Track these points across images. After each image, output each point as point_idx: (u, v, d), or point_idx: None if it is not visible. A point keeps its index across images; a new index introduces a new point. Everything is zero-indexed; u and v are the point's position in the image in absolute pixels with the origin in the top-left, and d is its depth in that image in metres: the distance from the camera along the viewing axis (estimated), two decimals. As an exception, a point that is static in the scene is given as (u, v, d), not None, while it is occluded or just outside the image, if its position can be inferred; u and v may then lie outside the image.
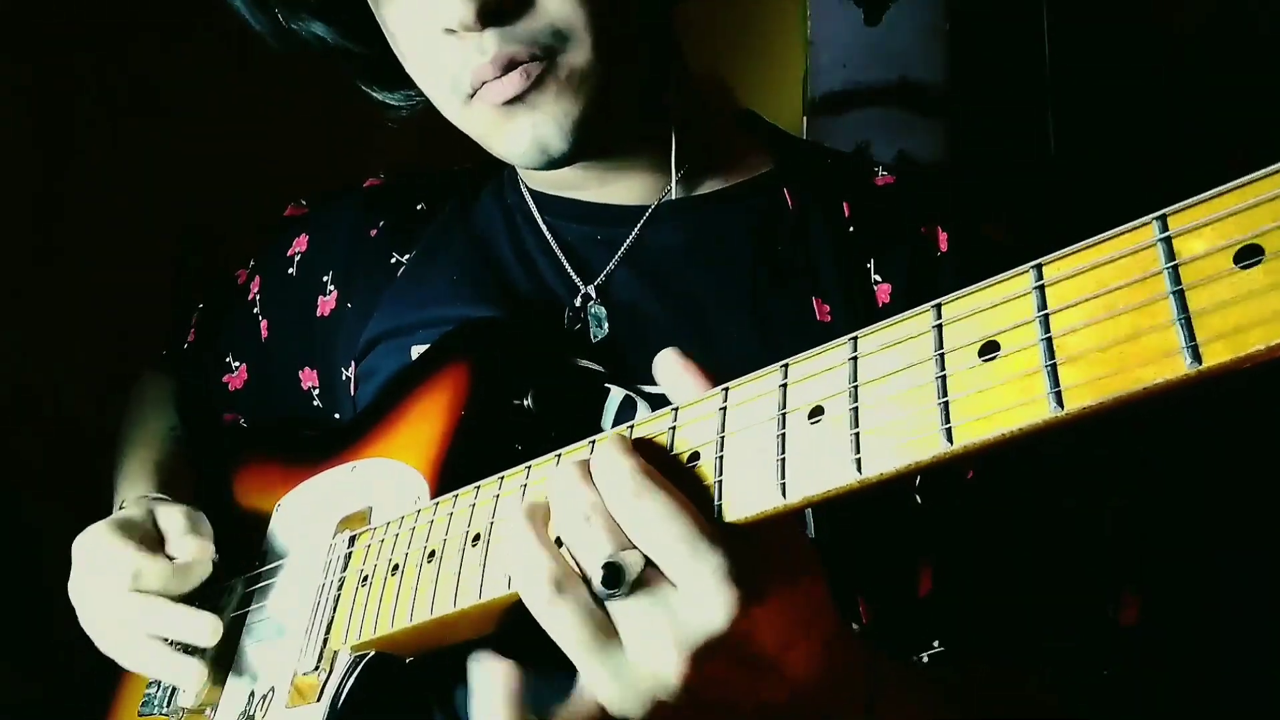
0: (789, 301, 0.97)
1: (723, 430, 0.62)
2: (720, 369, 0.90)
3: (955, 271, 0.97)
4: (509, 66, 0.89)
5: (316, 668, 0.88)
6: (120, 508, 1.07)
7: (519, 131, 0.93)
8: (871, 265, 0.99)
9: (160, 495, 1.09)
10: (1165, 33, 1.92)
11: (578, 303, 1.01)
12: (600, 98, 0.92)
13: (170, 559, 0.97)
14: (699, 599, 0.60)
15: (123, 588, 0.94)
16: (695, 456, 0.63)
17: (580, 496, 0.63)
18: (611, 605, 0.62)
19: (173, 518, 1.01)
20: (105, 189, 1.70)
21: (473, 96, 0.93)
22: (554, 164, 0.96)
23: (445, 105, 0.98)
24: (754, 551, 0.61)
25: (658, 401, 0.94)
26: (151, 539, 0.99)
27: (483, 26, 0.88)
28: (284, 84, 1.74)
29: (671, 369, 0.68)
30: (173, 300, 1.67)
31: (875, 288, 0.98)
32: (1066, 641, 0.92)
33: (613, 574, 0.59)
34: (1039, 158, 1.96)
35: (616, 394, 0.95)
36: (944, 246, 0.98)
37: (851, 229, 1.01)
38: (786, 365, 0.60)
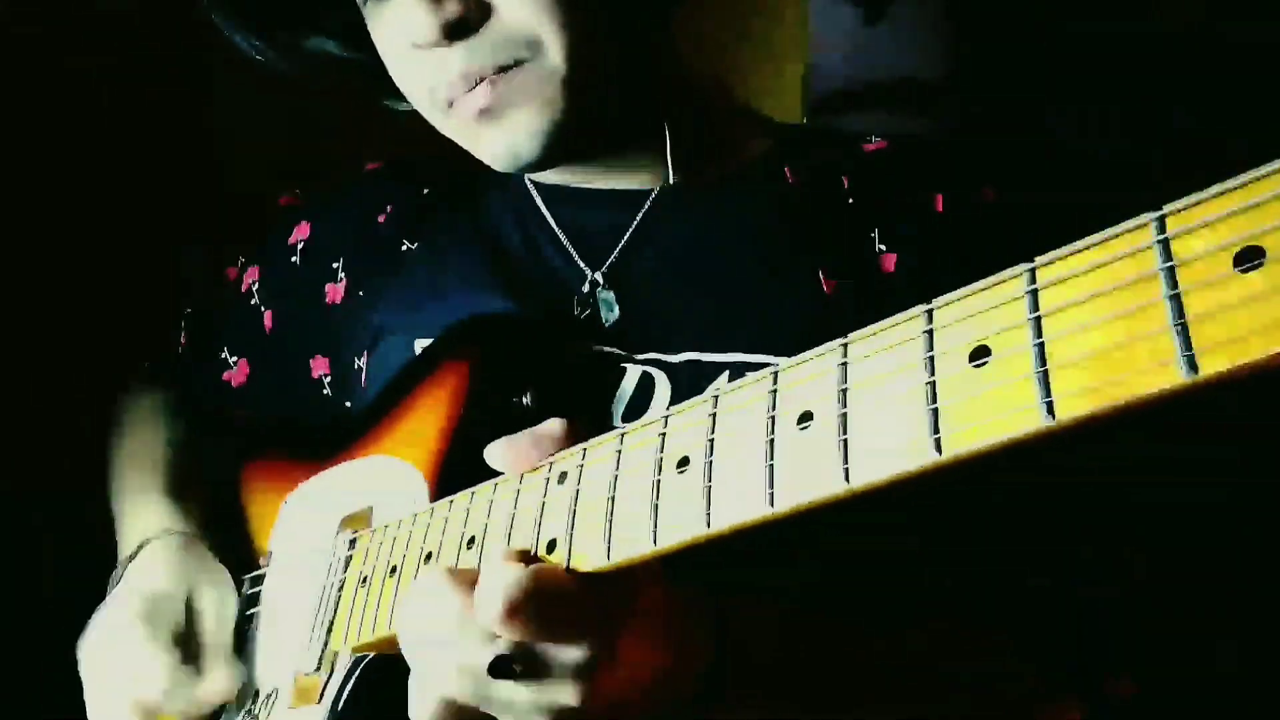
0: (794, 277, 0.98)
1: (713, 436, 0.61)
2: (731, 342, 0.91)
3: (952, 233, 0.98)
4: (476, 80, 0.91)
5: (317, 668, 0.89)
6: (141, 545, 1.05)
7: (493, 141, 0.95)
8: (876, 235, 0.99)
9: (186, 532, 1.07)
10: (1165, 32, 1.91)
11: (585, 289, 1.02)
12: (571, 105, 0.93)
13: (197, 675, 0.96)
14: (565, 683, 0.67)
15: (150, 696, 0.93)
16: (685, 461, 0.62)
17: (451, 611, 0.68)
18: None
19: (207, 607, 1.00)
20: (106, 187, 1.70)
21: (450, 108, 0.95)
22: (532, 169, 0.97)
23: (428, 115, 1.00)
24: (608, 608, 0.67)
25: (676, 372, 0.95)
26: (181, 629, 0.97)
27: (449, 41, 0.90)
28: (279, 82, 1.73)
29: (499, 454, 0.76)
30: (175, 302, 1.66)
31: (880, 257, 0.98)
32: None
33: (502, 665, 0.66)
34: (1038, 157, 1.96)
35: (633, 373, 0.96)
36: (940, 209, 0.99)
37: (851, 200, 1.01)
38: (776, 371, 0.59)
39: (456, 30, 0.89)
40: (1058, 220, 0.56)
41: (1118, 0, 1.94)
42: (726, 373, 0.93)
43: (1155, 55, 1.87)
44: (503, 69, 0.91)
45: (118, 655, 0.95)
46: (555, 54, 0.91)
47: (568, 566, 0.67)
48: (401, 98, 1.05)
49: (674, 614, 0.71)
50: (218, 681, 0.96)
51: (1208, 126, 1.65)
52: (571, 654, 0.66)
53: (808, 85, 2.16)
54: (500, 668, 0.65)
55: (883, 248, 0.99)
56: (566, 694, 0.66)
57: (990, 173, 1.01)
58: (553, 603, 0.65)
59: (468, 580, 0.69)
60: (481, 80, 0.91)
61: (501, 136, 0.94)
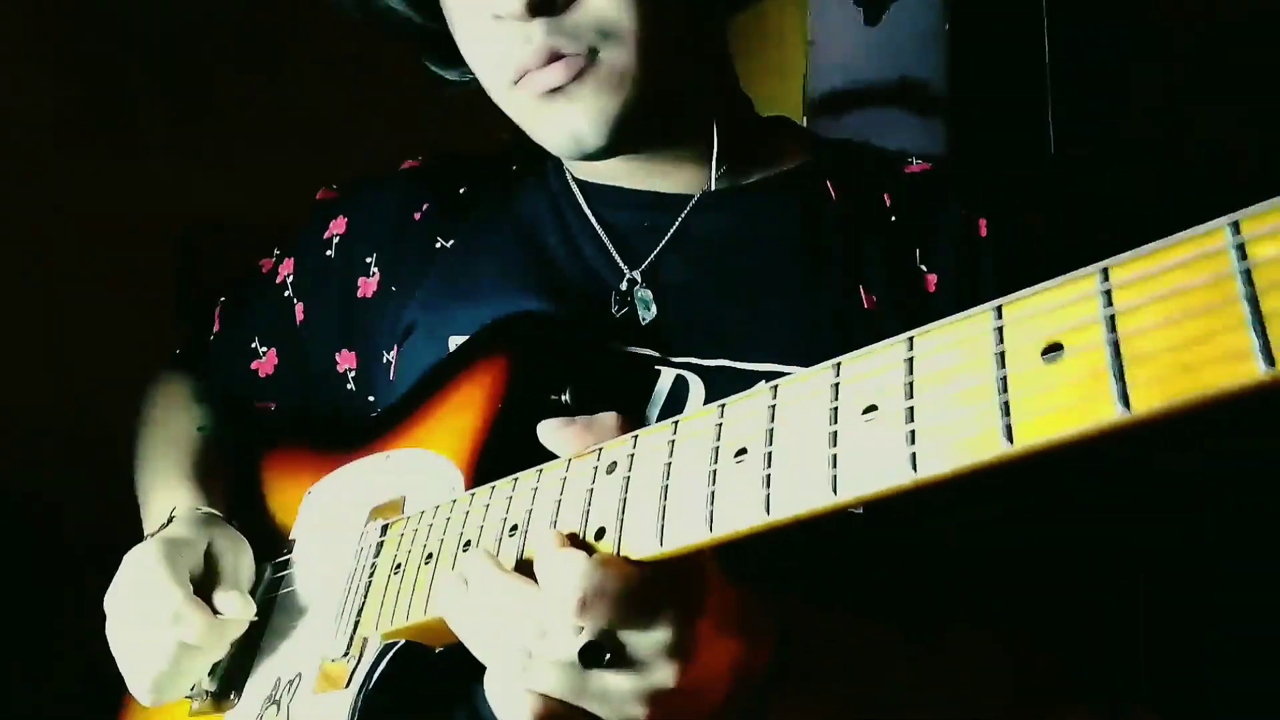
0: (834, 288, 1.00)
1: (772, 426, 0.62)
2: (768, 352, 0.93)
3: (996, 258, 1.00)
4: (552, 58, 0.92)
5: (346, 654, 0.89)
6: (171, 517, 1.06)
7: (556, 123, 0.96)
8: (917, 254, 1.01)
9: (212, 511, 1.08)
10: (1165, 32, 1.93)
11: (624, 287, 1.03)
12: (639, 97, 0.95)
13: (213, 608, 0.96)
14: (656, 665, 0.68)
15: (161, 624, 0.94)
16: (742, 452, 0.63)
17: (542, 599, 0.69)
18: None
19: (225, 555, 1.01)
20: (111, 186, 1.70)
21: (516, 83, 0.95)
22: (589, 158, 0.98)
23: (491, 88, 1.01)
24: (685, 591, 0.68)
25: (711, 375, 0.96)
26: (200, 573, 0.99)
27: (531, 17, 0.91)
28: (290, 78, 1.74)
29: (552, 433, 0.76)
30: (178, 298, 1.66)
31: (924, 276, 1.00)
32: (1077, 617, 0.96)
33: (593, 653, 0.66)
34: (1039, 158, 1.98)
35: (668, 375, 0.97)
36: (984, 233, 1.00)
37: (893, 218, 1.03)
38: (839, 363, 0.60)
39: (541, 7, 0.91)
40: (1104, 248, 0.57)
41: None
42: (762, 382, 0.94)
43: (1153, 55, 1.89)
44: (579, 52, 0.92)
45: (138, 595, 0.96)
46: (631, 47, 0.93)
47: (618, 554, 0.68)
48: (450, 65, 1.07)
49: (741, 608, 0.72)
50: (229, 607, 0.96)
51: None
52: (658, 635, 0.67)
53: (808, 85, 2.18)
54: (591, 656, 0.66)
55: (923, 267, 1.01)
56: (663, 674, 0.67)
57: (1033, 200, 1.03)
58: (626, 588, 0.66)
59: (523, 571, 0.71)
60: (559, 58, 0.93)
61: (566, 120, 0.95)
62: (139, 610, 0.96)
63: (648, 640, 0.67)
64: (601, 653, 0.66)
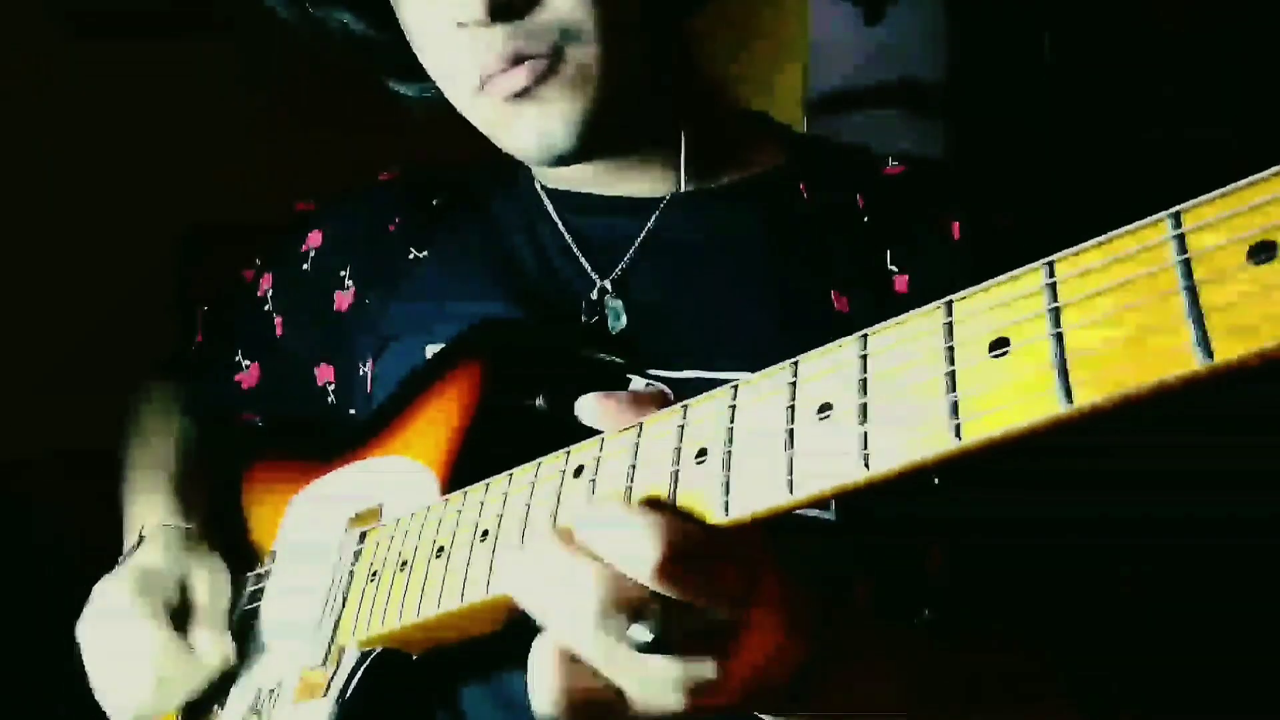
0: (807, 292, 0.99)
1: (732, 426, 0.62)
2: (739, 359, 0.92)
3: (969, 260, 0.98)
4: (516, 61, 0.91)
5: (324, 662, 0.89)
6: (141, 536, 1.07)
7: (524, 127, 0.95)
8: (888, 256, 1.00)
9: (189, 526, 1.09)
10: (1165, 32, 1.92)
11: (594, 296, 1.02)
12: (606, 96, 0.94)
13: (189, 643, 0.98)
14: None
15: (139, 660, 0.96)
16: (703, 453, 0.63)
17: (601, 584, 0.60)
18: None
19: (200, 584, 1.02)
20: (107, 190, 1.70)
21: (481, 90, 0.95)
22: (561, 161, 0.97)
23: (455, 97, 0.99)
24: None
25: (681, 387, 0.95)
26: (175, 603, 1.00)
27: (492, 21, 0.90)
28: (286, 81, 1.74)
29: (592, 409, 0.71)
30: (176, 303, 1.67)
31: (893, 278, 0.99)
32: (1070, 621, 0.93)
33: (657, 642, 0.59)
34: (1039, 157, 1.97)
35: (638, 382, 0.96)
36: (956, 235, 0.99)
37: (866, 219, 1.02)
38: (796, 362, 0.60)
39: (503, 11, 0.90)
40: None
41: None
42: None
43: (1153, 55, 1.88)
44: (543, 54, 0.91)
45: (114, 629, 0.97)
46: (595, 45, 0.92)
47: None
48: (408, 80, 1.06)
49: (789, 591, 0.66)
50: (208, 649, 0.98)
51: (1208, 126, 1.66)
52: (717, 617, 0.61)
53: (808, 85, 2.18)
54: (650, 639, 0.59)
55: (894, 269, 0.99)
56: (708, 667, 0.61)
57: (1008, 201, 1.02)
58: (701, 553, 0.59)
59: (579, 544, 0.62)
60: (522, 61, 0.91)
61: (534, 123, 0.94)
62: (115, 645, 0.97)
63: (706, 622, 0.61)
64: (659, 638, 0.59)
